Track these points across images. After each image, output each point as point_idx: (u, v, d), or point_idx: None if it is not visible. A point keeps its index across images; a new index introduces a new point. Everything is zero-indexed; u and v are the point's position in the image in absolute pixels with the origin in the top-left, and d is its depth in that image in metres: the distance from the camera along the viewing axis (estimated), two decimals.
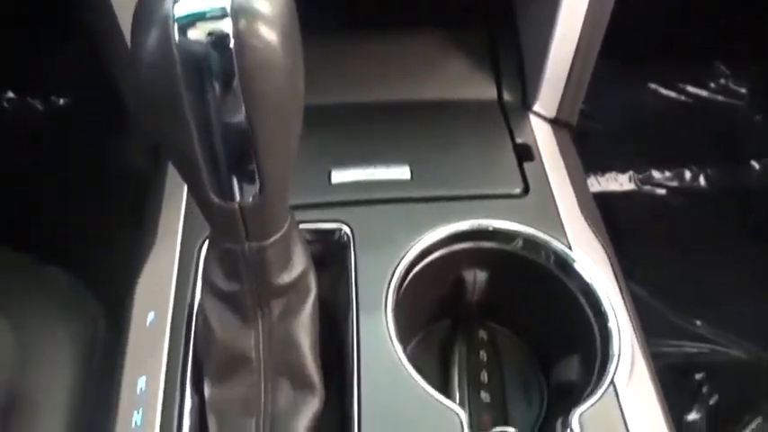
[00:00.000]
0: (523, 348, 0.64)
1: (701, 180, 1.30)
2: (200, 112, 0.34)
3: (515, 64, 0.72)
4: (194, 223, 0.59)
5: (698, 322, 1.12)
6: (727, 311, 1.11)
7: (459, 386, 0.60)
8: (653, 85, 1.34)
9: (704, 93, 1.34)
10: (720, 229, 1.23)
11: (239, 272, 0.47)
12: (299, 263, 0.49)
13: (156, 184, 0.65)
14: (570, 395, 0.57)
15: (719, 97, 1.33)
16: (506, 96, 0.71)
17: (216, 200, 0.40)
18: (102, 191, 0.95)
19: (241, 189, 0.40)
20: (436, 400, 0.48)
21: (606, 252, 0.59)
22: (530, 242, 0.59)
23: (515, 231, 0.59)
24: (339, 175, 0.62)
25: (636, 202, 1.29)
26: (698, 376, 1.05)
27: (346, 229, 0.58)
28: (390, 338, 0.51)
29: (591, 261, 0.57)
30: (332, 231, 0.59)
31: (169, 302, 0.54)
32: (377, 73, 0.70)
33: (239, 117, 0.35)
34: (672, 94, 1.34)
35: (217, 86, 0.33)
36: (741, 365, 1.07)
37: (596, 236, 0.60)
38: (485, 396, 0.61)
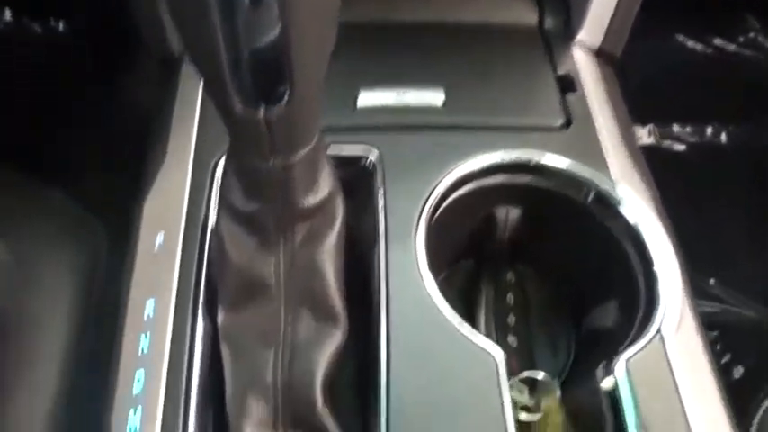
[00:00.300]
0: (552, 292, 0.61)
1: (723, 137, 1.25)
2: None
3: None
4: (208, 141, 0.55)
5: (711, 281, 1.09)
6: (741, 271, 1.08)
7: (486, 329, 0.57)
8: (680, 37, 1.27)
9: (732, 46, 1.28)
10: (739, 187, 1.20)
11: (261, 191, 0.43)
12: (326, 185, 0.45)
13: (165, 105, 0.60)
14: (603, 342, 0.54)
15: (747, 51, 1.28)
16: (548, 23, 0.65)
17: (240, 107, 0.35)
18: (106, 116, 0.90)
19: (268, 92, 0.35)
20: (470, 338, 0.45)
21: (652, 192, 0.55)
22: (570, 178, 0.54)
23: (555, 166, 0.54)
24: (367, 98, 0.57)
25: (654, 157, 1.25)
26: (711, 335, 1.03)
27: (374, 155, 0.54)
28: (421, 272, 0.47)
29: (637, 200, 0.53)
30: (358, 158, 0.54)
31: (180, 223, 0.50)
32: None
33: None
34: (699, 46, 1.28)
35: None
36: (754, 326, 1.05)
37: (642, 175, 0.56)
38: (512, 340, 0.58)
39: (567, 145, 0.56)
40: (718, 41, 1.27)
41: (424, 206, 0.51)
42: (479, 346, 0.44)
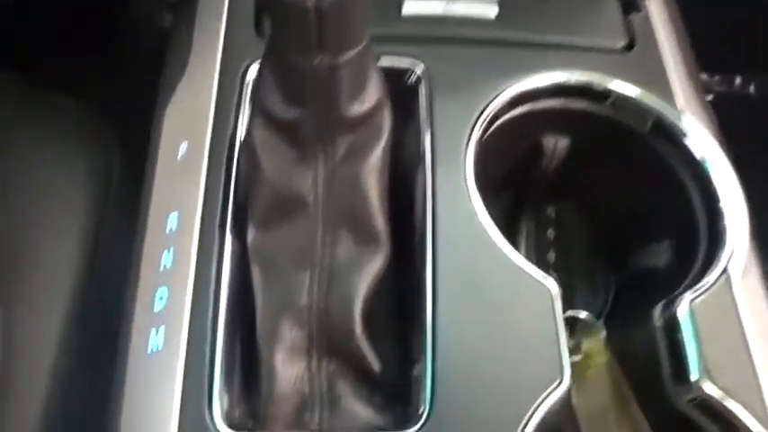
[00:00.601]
0: (594, 230, 0.57)
1: (751, 88, 1.20)
2: None
3: None
4: (237, 44, 0.49)
5: None
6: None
7: None
8: None
9: None
10: (765, 139, 1.15)
11: (303, 94, 0.38)
12: (374, 93, 0.40)
13: (186, 5, 0.55)
14: (651, 283, 0.51)
15: None
16: None
17: None
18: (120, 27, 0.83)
19: None
20: (524, 268, 0.41)
21: (715, 125, 0.50)
22: (633, 105, 0.50)
23: (618, 91, 0.50)
24: (412, 6, 0.52)
25: None
26: None
27: (419, 68, 0.49)
28: (471, 196, 0.43)
29: (703, 132, 0.48)
30: (402, 70, 0.49)
31: (206, 132, 0.46)
32: None
33: None
34: None
35: None
36: None
37: (705, 106, 0.51)
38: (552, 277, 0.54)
39: (628, 69, 0.51)
40: None
41: (474, 126, 0.46)
42: (534, 278, 0.41)
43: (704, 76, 1.20)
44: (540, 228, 0.57)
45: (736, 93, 1.19)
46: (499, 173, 0.56)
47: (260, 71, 0.41)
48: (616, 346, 0.48)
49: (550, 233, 0.57)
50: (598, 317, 0.53)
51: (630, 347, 0.46)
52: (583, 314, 0.49)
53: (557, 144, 0.54)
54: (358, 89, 0.39)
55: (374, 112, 0.41)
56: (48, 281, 0.50)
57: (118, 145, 0.57)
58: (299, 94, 0.38)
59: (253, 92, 0.46)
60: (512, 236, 0.55)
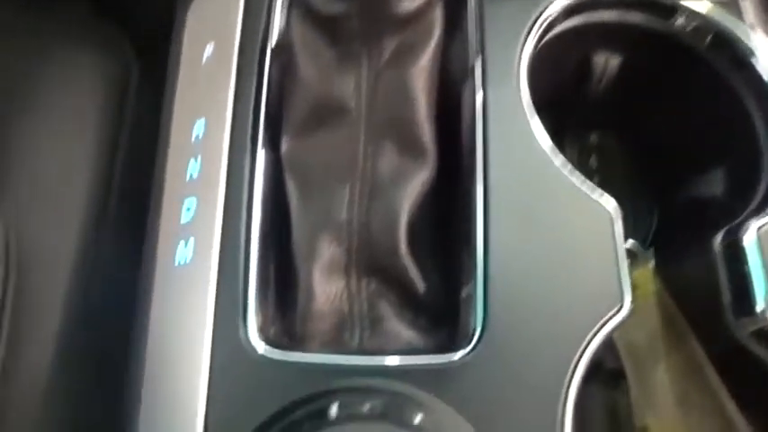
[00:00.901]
0: (639, 159, 0.54)
1: None
2: None
3: None
4: None
5: None
6: None
7: None
8: None
9: None
10: None
11: None
12: None
13: None
14: (702, 212, 0.48)
15: None
16: None
17: None
18: None
19: None
20: (582, 188, 0.38)
21: None
22: (697, 21, 0.46)
23: (681, 4, 0.46)
24: None
25: None
26: None
27: None
28: (525, 109, 0.40)
29: None
30: None
31: (235, 31, 0.41)
32: None
33: None
34: None
35: None
36: None
37: None
38: None
39: None
40: None
41: (527, 35, 0.42)
42: (593, 198, 0.38)
43: None
44: (582, 155, 0.53)
45: None
46: (543, 93, 0.52)
47: None
48: (665, 276, 0.45)
49: (593, 161, 0.53)
50: (643, 243, 0.51)
51: (683, 278, 0.44)
52: (629, 242, 0.46)
53: (607, 62, 0.50)
54: None
55: (426, 9, 0.37)
56: (59, 195, 0.47)
57: (134, 51, 0.53)
58: None
59: None
60: None
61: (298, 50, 0.37)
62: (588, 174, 0.54)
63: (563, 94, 0.52)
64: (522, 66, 0.41)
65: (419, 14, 0.36)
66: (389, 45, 0.37)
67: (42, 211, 0.45)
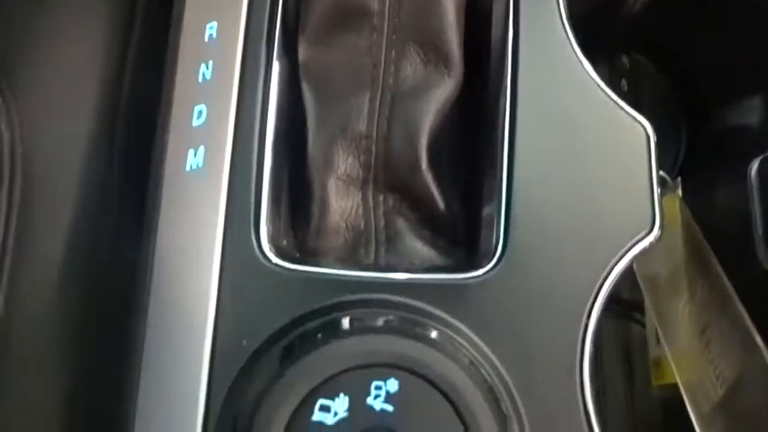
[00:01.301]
0: (670, 83, 0.51)
1: None
2: None
3: None
4: None
5: None
6: None
7: None
8: None
9: None
10: None
11: None
12: None
13: None
14: (735, 141, 0.46)
15: None
16: None
17: None
18: None
19: None
20: (618, 103, 0.36)
21: None
22: None
23: None
24: None
25: None
26: None
27: None
28: (562, 18, 0.37)
29: None
30: None
31: None
32: None
33: None
34: None
35: None
36: None
37: None
38: None
39: None
40: None
41: None
42: (630, 114, 0.35)
43: None
44: (613, 77, 0.51)
45: None
46: (578, 9, 0.49)
47: None
48: (693, 206, 0.43)
49: (624, 84, 0.51)
50: (671, 172, 0.49)
51: (712, 208, 0.42)
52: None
53: None
54: None
55: None
56: (69, 110, 0.45)
57: None
58: None
59: None
60: None
61: None
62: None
63: (597, 12, 0.49)
64: None
65: None
66: None
67: (52, 123, 0.43)
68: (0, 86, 0.39)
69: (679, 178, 0.46)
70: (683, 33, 0.49)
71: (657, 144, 0.50)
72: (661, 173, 0.44)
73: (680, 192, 0.44)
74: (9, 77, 0.41)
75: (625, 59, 0.52)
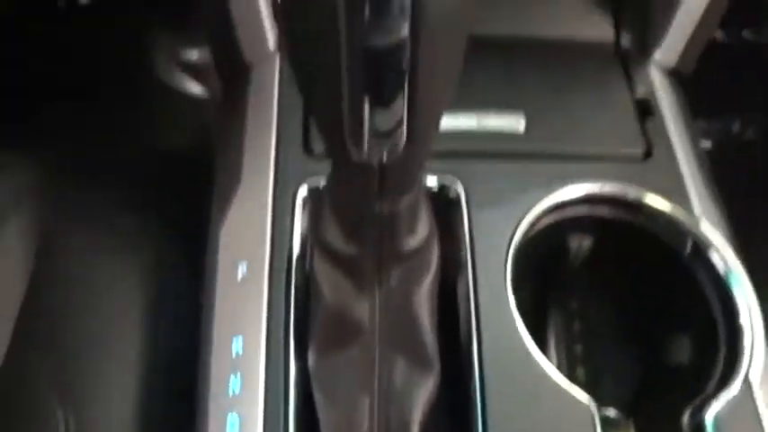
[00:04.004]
0: (620, 322, 0.61)
1: (750, 132, 1.23)
2: (356, 33, 0.27)
3: (639, 2, 0.64)
4: (287, 165, 0.53)
5: None
6: None
7: (557, 362, 0.57)
8: None
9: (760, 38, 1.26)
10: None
11: (363, 234, 0.42)
12: (424, 225, 0.44)
13: (233, 119, 0.58)
14: (674, 380, 0.54)
15: None
16: (625, 40, 0.63)
17: (357, 154, 0.34)
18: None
19: (387, 138, 0.33)
20: (565, 388, 0.44)
21: (730, 229, 0.54)
22: (655, 214, 0.54)
23: (639, 201, 0.54)
24: (446, 122, 0.56)
25: None
26: None
27: (458, 186, 0.52)
28: (513, 313, 0.47)
29: (723, 245, 0.52)
30: (441, 188, 0.53)
31: (264, 254, 0.49)
32: (486, 2, 0.62)
33: (401, 44, 0.28)
34: (726, 39, 1.26)
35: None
36: None
37: (721, 210, 0.55)
38: (580, 372, 0.58)
39: (648, 177, 0.55)
40: (746, 34, 1.24)
41: (511, 239, 0.50)
42: (575, 398, 0.44)
43: (702, 123, 1.24)
44: (567, 320, 0.60)
45: (735, 137, 1.23)
46: (527, 272, 0.59)
47: (320, 208, 0.44)
48: None
49: (577, 327, 0.60)
50: (624, 410, 0.57)
51: None
52: (611, 412, 0.53)
53: (581, 245, 0.57)
54: (412, 225, 0.42)
55: (425, 245, 0.44)
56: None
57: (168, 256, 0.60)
58: (359, 234, 0.41)
59: (312, 225, 0.50)
60: (539, 331, 0.59)
61: (320, 280, 0.44)
62: (573, 339, 0.61)
63: (544, 271, 0.59)
64: (508, 266, 0.49)
65: (420, 250, 0.43)
66: (396, 275, 0.44)
67: None
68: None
69: (631, 420, 0.54)
70: (616, 286, 0.59)
71: (612, 383, 0.58)
72: (615, 414, 0.53)
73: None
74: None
75: (576, 303, 0.62)
